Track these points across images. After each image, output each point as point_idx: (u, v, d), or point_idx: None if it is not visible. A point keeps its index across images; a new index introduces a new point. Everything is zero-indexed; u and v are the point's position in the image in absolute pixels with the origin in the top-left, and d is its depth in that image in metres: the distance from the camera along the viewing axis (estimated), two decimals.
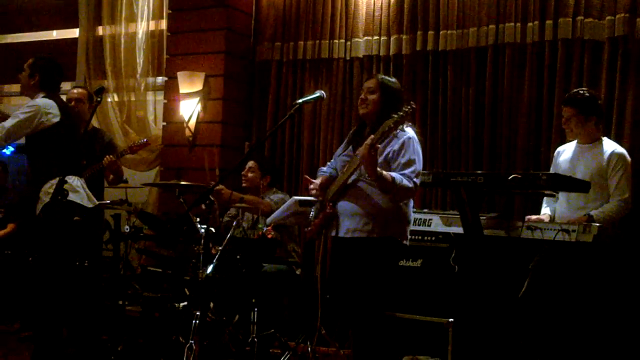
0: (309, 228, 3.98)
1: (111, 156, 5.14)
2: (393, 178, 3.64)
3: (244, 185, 5.61)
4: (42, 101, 4.63)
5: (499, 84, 5.50)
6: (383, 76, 3.95)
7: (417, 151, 3.77)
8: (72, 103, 5.23)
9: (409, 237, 3.90)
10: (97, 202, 4.81)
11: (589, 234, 3.97)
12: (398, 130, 3.70)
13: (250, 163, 5.61)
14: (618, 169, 4.43)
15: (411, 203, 3.89)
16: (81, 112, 5.24)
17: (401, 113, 3.56)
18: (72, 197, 4.45)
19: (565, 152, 4.68)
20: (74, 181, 4.58)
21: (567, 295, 4.00)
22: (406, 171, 3.69)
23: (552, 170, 4.69)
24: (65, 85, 6.35)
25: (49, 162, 4.58)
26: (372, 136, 3.55)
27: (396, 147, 3.74)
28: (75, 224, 4.46)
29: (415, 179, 3.70)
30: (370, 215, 3.74)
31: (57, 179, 4.29)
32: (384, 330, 3.79)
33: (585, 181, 4.28)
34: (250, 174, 5.57)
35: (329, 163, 4.15)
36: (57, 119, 4.61)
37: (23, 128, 4.56)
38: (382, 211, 3.73)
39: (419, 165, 3.75)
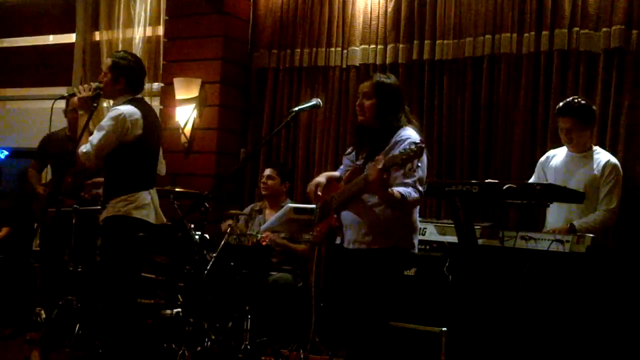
0: (314, 234, 3.97)
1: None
2: (402, 194, 3.53)
3: (263, 193, 5.56)
4: (127, 109, 4.17)
5: (494, 94, 5.51)
6: (379, 77, 3.83)
7: (421, 159, 3.63)
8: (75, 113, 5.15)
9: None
10: (165, 221, 4.45)
11: (582, 245, 3.98)
12: (401, 133, 3.66)
13: (268, 171, 5.54)
14: (611, 179, 4.43)
15: (416, 210, 3.82)
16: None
17: (414, 148, 3.37)
18: (136, 214, 4.17)
19: (556, 157, 4.67)
20: (145, 197, 4.23)
21: (561, 304, 4.00)
22: (410, 180, 3.58)
23: (538, 175, 4.69)
24: (61, 90, 6.38)
25: (124, 176, 4.22)
26: (381, 159, 3.41)
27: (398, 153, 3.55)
28: (139, 240, 4.19)
29: (420, 187, 3.63)
30: (371, 226, 3.68)
31: (126, 195, 4.14)
32: (381, 341, 3.76)
33: (579, 192, 4.28)
34: (270, 182, 5.50)
35: (340, 167, 4.07)
36: (140, 131, 4.17)
37: (111, 140, 4.12)
38: (383, 221, 3.66)
39: (422, 172, 3.66)
